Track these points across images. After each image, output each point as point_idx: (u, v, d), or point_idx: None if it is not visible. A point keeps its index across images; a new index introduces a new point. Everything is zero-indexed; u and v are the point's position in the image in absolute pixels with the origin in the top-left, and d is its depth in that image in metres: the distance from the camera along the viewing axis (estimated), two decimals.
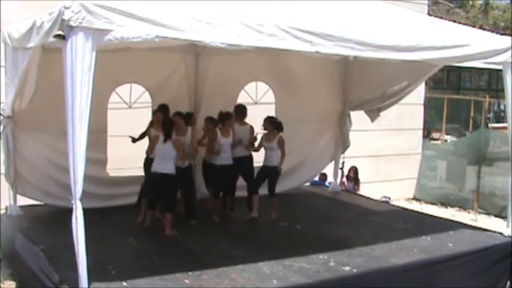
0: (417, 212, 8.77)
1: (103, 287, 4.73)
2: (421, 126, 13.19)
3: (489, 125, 14.22)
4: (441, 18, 8.73)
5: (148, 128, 7.32)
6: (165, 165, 6.50)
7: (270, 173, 7.46)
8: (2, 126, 6.78)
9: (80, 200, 4.44)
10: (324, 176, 10.18)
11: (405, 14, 6.92)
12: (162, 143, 6.54)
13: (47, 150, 7.21)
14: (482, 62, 6.72)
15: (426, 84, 13.09)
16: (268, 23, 4.92)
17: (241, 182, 7.61)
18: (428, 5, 13.23)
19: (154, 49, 6.19)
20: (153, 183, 6.65)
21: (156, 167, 6.56)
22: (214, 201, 7.40)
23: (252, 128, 7.65)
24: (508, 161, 6.90)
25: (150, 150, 6.91)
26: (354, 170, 10.45)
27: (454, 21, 8.53)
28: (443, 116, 14.24)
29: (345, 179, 10.36)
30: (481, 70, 19.73)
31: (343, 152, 9.47)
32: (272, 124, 7.41)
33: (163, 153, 6.53)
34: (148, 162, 6.95)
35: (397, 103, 8.69)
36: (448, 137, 15.36)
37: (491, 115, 17.66)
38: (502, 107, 17.39)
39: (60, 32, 4.31)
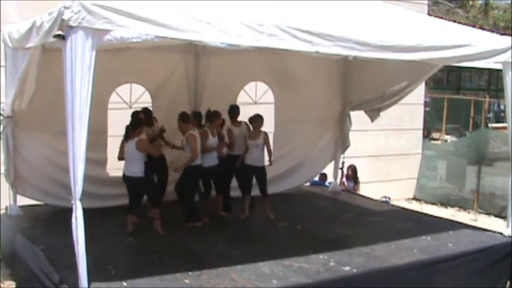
0: (417, 212, 8.76)
1: (103, 287, 4.73)
2: (421, 126, 13.20)
3: (489, 125, 14.23)
4: (441, 18, 8.72)
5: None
6: (131, 168, 6.39)
7: (258, 172, 7.35)
8: (2, 126, 6.78)
9: (80, 200, 4.44)
10: (324, 176, 10.18)
11: (405, 14, 6.91)
12: (126, 145, 6.44)
13: (47, 150, 7.21)
14: (482, 62, 6.72)
15: (426, 84, 13.10)
16: (268, 23, 4.92)
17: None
18: (428, 5, 13.24)
19: (154, 49, 6.20)
20: (128, 187, 6.55)
21: (124, 169, 6.49)
22: (204, 203, 7.37)
23: (246, 124, 7.60)
24: (508, 161, 6.90)
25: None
26: (353, 169, 10.47)
27: (454, 21, 8.52)
28: (443, 116, 14.24)
29: (344, 179, 10.37)
30: (481, 70, 19.73)
31: (343, 152, 9.47)
32: (257, 121, 7.31)
33: (127, 154, 6.43)
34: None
35: (397, 103, 8.69)
36: (448, 137, 15.37)
37: (491, 115, 17.67)
38: (502, 107, 17.40)
39: (60, 32, 4.31)
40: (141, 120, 6.67)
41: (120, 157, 6.68)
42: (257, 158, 7.31)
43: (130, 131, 6.42)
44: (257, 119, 7.34)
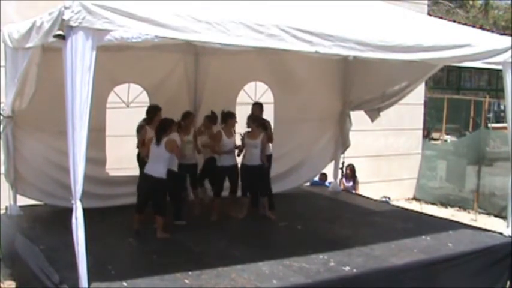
0: (417, 212, 8.77)
1: (103, 287, 4.73)
2: (421, 126, 13.20)
3: (489, 125, 14.23)
4: (441, 18, 8.72)
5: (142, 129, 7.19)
6: (156, 168, 6.32)
7: (255, 171, 7.29)
8: (2, 126, 6.78)
9: (80, 200, 4.44)
10: (324, 176, 10.18)
11: (405, 14, 6.91)
12: (154, 146, 6.35)
13: (47, 150, 7.20)
14: (482, 62, 6.72)
15: (426, 84, 13.10)
16: (268, 23, 4.92)
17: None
18: (428, 5, 13.24)
19: (153, 49, 6.19)
20: (143, 186, 6.49)
21: (148, 169, 6.39)
22: (215, 201, 7.38)
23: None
24: (508, 161, 6.90)
25: (145, 153, 6.75)
26: (351, 168, 10.48)
27: (454, 21, 8.52)
28: (443, 116, 14.25)
29: (343, 179, 10.37)
30: (481, 70, 19.75)
31: (343, 152, 9.48)
32: (256, 122, 7.30)
33: (155, 155, 6.35)
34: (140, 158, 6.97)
35: (397, 103, 8.70)
36: (448, 137, 15.37)
37: (491, 115, 17.67)
38: (502, 107, 17.40)
39: (60, 32, 4.31)
40: (170, 120, 6.55)
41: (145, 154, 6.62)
42: (254, 157, 7.27)
43: (161, 133, 6.33)
44: (252, 119, 7.31)
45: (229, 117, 7.27)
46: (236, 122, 7.42)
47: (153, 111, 7.11)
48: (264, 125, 7.40)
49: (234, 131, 7.41)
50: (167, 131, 6.38)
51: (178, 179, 6.83)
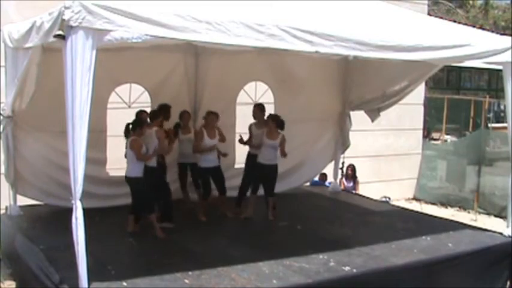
0: (417, 212, 8.77)
1: (103, 287, 4.73)
2: (421, 126, 13.21)
3: (489, 125, 14.23)
4: (441, 18, 8.73)
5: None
6: (131, 168, 6.35)
7: (271, 172, 7.37)
8: (2, 126, 6.78)
9: (80, 200, 4.44)
10: (324, 176, 10.18)
11: (405, 14, 6.92)
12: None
13: (47, 150, 7.21)
14: (482, 62, 6.72)
15: (426, 84, 13.11)
16: (268, 23, 4.92)
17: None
18: (428, 5, 13.25)
19: (154, 49, 6.20)
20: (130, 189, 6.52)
21: (126, 172, 6.45)
22: (203, 202, 7.36)
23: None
24: (508, 161, 6.90)
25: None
26: (352, 168, 10.49)
27: (454, 21, 8.53)
28: (443, 116, 14.25)
29: (344, 179, 10.37)
30: (481, 70, 19.73)
31: (343, 152, 9.48)
32: (275, 121, 7.30)
33: (128, 156, 6.40)
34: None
35: (397, 103, 8.70)
36: (448, 137, 15.37)
37: (491, 115, 17.66)
38: (502, 107, 17.40)
39: (60, 32, 4.31)
40: (142, 120, 6.58)
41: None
42: (271, 157, 7.28)
43: (131, 131, 6.39)
44: (272, 118, 7.29)
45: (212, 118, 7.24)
46: (217, 123, 7.33)
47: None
48: (282, 125, 7.35)
49: (218, 131, 7.35)
50: (135, 131, 6.35)
51: (157, 176, 6.78)
